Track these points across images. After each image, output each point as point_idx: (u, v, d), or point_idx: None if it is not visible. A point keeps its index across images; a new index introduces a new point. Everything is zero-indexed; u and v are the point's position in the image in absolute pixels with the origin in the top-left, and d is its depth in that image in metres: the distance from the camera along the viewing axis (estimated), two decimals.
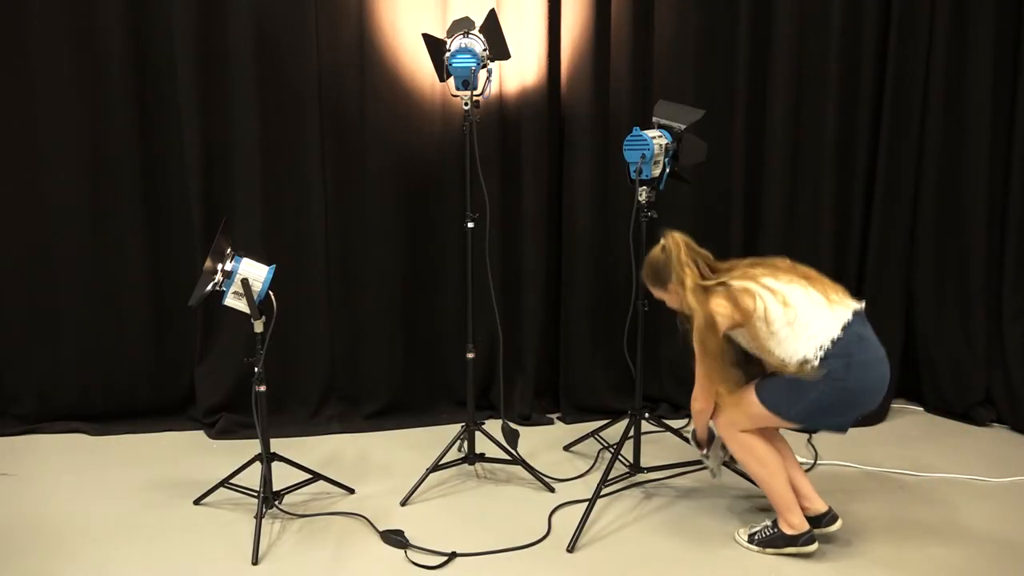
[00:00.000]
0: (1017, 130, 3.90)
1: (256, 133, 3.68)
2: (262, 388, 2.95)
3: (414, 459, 3.52)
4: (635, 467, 3.33)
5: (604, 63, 3.82)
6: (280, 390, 3.77)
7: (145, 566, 2.79)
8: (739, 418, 2.81)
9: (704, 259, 2.83)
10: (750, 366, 2.85)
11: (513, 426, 3.51)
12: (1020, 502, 3.24)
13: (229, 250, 2.86)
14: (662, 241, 2.85)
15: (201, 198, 3.69)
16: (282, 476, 3.15)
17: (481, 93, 3.19)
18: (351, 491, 3.29)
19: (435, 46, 3.20)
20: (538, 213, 3.92)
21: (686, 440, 3.43)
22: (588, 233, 3.92)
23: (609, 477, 3.15)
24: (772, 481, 2.82)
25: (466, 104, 3.16)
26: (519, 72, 3.78)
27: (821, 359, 2.64)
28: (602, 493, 3.12)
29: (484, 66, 3.15)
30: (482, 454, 3.42)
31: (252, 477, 3.08)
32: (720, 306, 2.70)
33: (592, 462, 3.57)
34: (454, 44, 3.13)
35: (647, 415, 3.38)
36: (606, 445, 3.62)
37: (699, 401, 2.85)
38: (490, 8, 3.26)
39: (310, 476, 3.22)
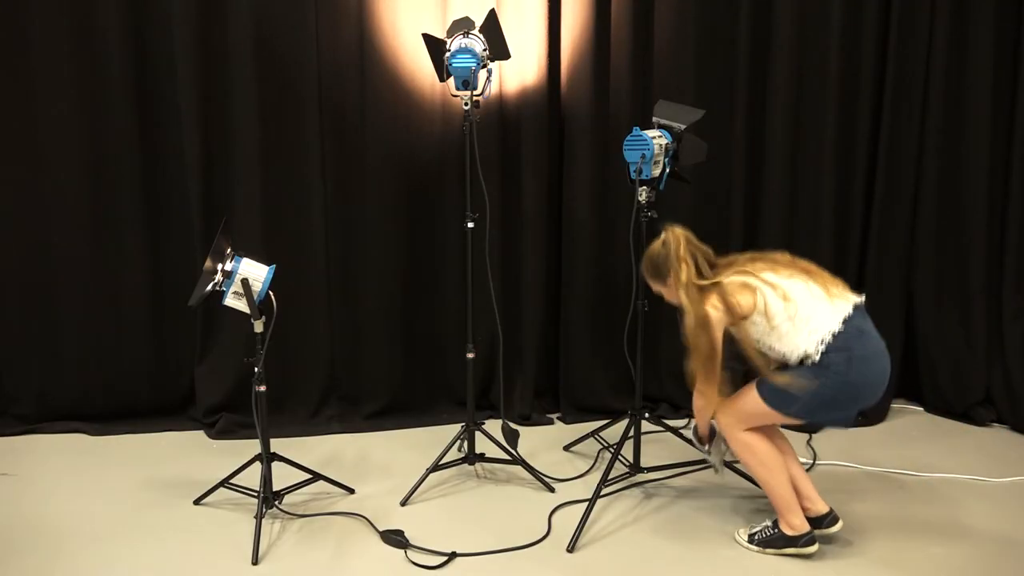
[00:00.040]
0: (1017, 130, 3.90)
1: (256, 133, 3.68)
2: (262, 388, 2.95)
3: (414, 459, 3.52)
4: (635, 467, 3.33)
5: (604, 63, 3.82)
6: (280, 390, 3.77)
7: (145, 566, 2.79)
8: (741, 416, 2.81)
9: (704, 255, 2.82)
10: (764, 356, 2.86)
11: (513, 426, 3.51)
12: (1020, 502, 3.24)
13: (229, 250, 2.86)
14: (663, 235, 2.84)
15: (201, 198, 3.69)
16: (282, 476, 3.15)
17: (481, 93, 3.19)
18: (351, 491, 3.29)
19: (435, 46, 3.20)
20: (538, 213, 3.92)
21: (687, 440, 3.43)
22: (588, 233, 3.92)
23: (609, 477, 3.15)
24: (773, 481, 2.82)
25: (466, 104, 3.16)
26: (519, 72, 3.78)
27: (822, 353, 2.64)
28: (602, 493, 3.12)
29: (484, 66, 3.15)
30: (482, 454, 3.42)
31: (252, 477, 3.08)
32: (715, 308, 2.70)
33: (592, 462, 3.57)
34: (454, 44, 3.13)
35: (647, 415, 3.37)
36: (606, 445, 3.62)
37: (701, 399, 2.85)
38: (490, 8, 3.26)
39: (310, 476, 3.22)
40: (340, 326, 3.93)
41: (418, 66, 3.73)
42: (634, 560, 2.84)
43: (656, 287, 2.92)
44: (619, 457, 3.24)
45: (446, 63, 3.14)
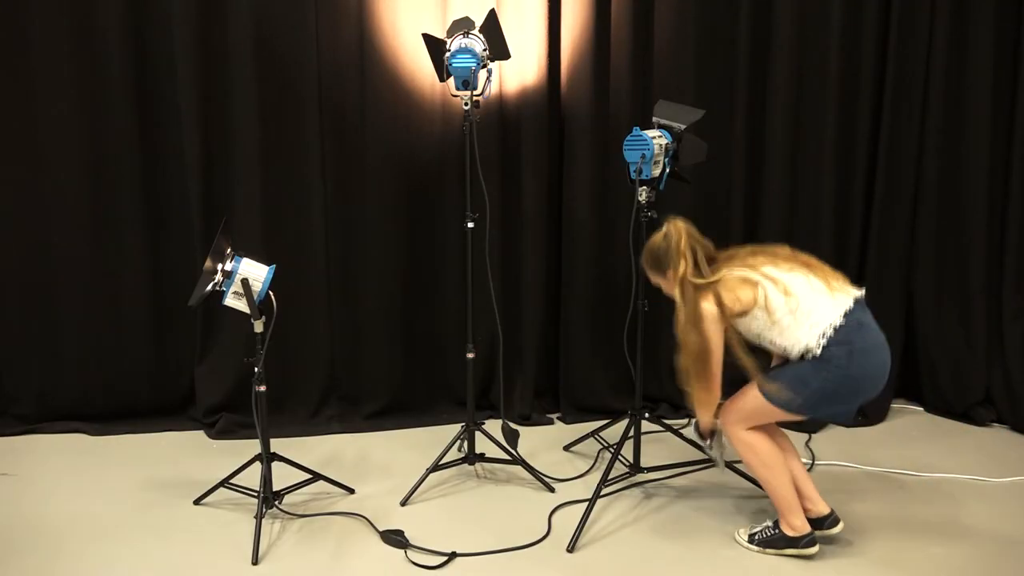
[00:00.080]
0: (1017, 130, 3.90)
1: (256, 133, 3.68)
2: (262, 388, 2.96)
3: (414, 459, 3.52)
4: (635, 467, 3.33)
5: (604, 63, 3.82)
6: (280, 390, 3.77)
7: (145, 566, 2.79)
8: (744, 415, 2.80)
9: (704, 248, 2.80)
10: (752, 355, 2.85)
11: (513, 426, 3.51)
12: (1020, 502, 3.24)
13: (229, 250, 2.86)
14: (664, 227, 2.83)
15: (201, 198, 3.69)
16: (282, 476, 3.15)
17: (481, 93, 3.19)
18: (351, 491, 3.29)
19: (435, 46, 3.20)
20: (538, 213, 3.92)
21: (687, 440, 3.44)
22: (588, 233, 3.92)
23: (609, 477, 3.15)
24: (775, 482, 2.82)
25: (466, 104, 3.16)
26: (519, 72, 3.78)
27: (823, 347, 2.64)
28: (602, 493, 3.12)
29: (484, 66, 3.15)
30: (482, 454, 3.42)
31: (252, 477, 3.08)
32: (708, 310, 2.69)
33: (592, 462, 3.57)
34: (454, 44, 3.13)
35: (647, 415, 3.37)
36: (606, 445, 3.62)
37: (704, 393, 2.79)
38: (490, 8, 3.26)
39: (310, 476, 3.22)
40: (340, 326, 3.93)
41: (418, 66, 3.73)
42: (634, 560, 2.84)
43: (655, 279, 2.91)
44: (619, 457, 3.24)
45: (446, 63, 3.14)
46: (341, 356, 3.96)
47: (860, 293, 2.76)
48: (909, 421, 4.06)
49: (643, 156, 3.00)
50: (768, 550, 2.86)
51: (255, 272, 2.85)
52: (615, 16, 3.79)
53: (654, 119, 3.16)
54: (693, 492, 3.30)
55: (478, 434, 3.42)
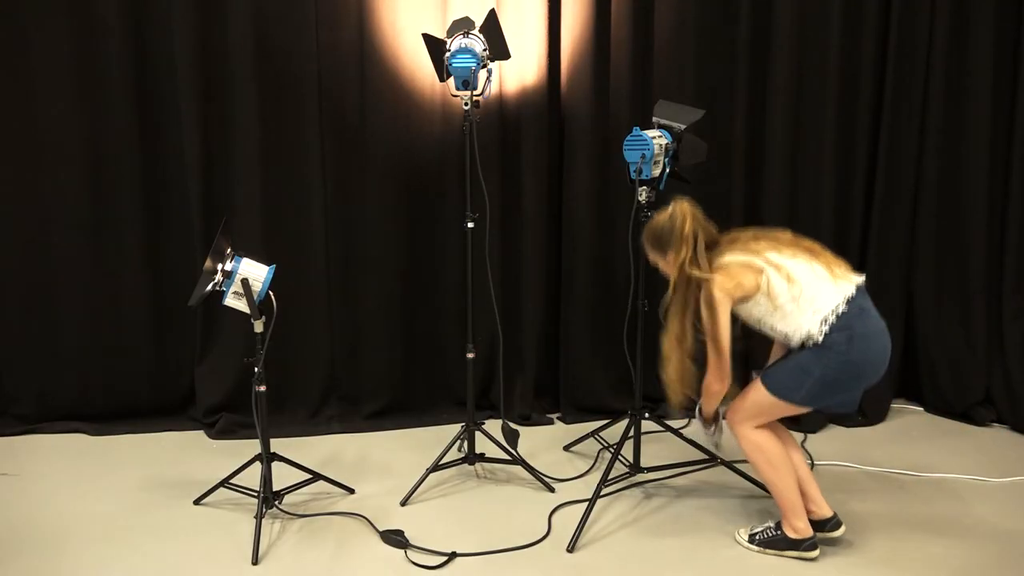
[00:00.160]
0: (1017, 130, 3.90)
1: (256, 133, 3.68)
2: (262, 388, 2.95)
3: (414, 459, 3.52)
4: (635, 467, 3.33)
5: (604, 63, 3.82)
6: (280, 390, 3.77)
7: (145, 566, 2.79)
8: (751, 412, 2.80)
9: (707, 233, 2.78)
10: (751, 340, 2.84)
11: (513, 426, 3.51)
12: (1020, 502, 3.24)
13: (229, 250, 2.86)
14: (670, 207, 2.81)
15: (201, 198, 3.69)
16: (282, 476, 3.15)
17: (481, 93, 3.19)
18: (351, 491, 3.29)
19: (435, 46, 3.20)
20: (538, 213, 3.92)
21: (687, 441, 3.43)
22: (588, 233, 3.92)
23: (609, 477, 3.15)
24: (781, 484, 2.81)
25: (466, 104, 3.16)
26: (519, 72, 3.78)
27: (825, 334, 2.64)
28: (602, 493, 3.12)
29: (484, 66, 3.15)
30: (482, 454, 3.42)
31: (252, 477, 3.08)
32: (712, 297, 2.68)
33: (592, 462, 3.57)
34: (454, 44, 3.13)
35: (647, 415, 3.37)
36: (606, 445, 3.62)
37: (717, 383, 2.79)
38: (490, 8, 3.26)
39: (310, 476, 3.22)
40: (340, 326, 3.93)
41: (418, 66, 3.73)
42: (634, 560, 2.84)
43: (653, 257, 2.90)
44: (619, 457, 3.24)
45: (446, 63, 3.14)
46: (341, 356, 3.96)
47: (861, 279, 2.76)
48: (909, 421, 4.06)
49: (643, 156, 3.00)
50: (768, 550, 2.86)
51: (255, 272, 2.85)
52: (615, 16, 3.79)
53: (654, 119, 3.16)
54: (693, 492, 3.30)
55: (478, 434, 3.42)
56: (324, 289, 3.87)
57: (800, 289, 2.66)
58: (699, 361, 2.79)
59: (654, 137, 3.03)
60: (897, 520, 3.10)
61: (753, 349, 3.05)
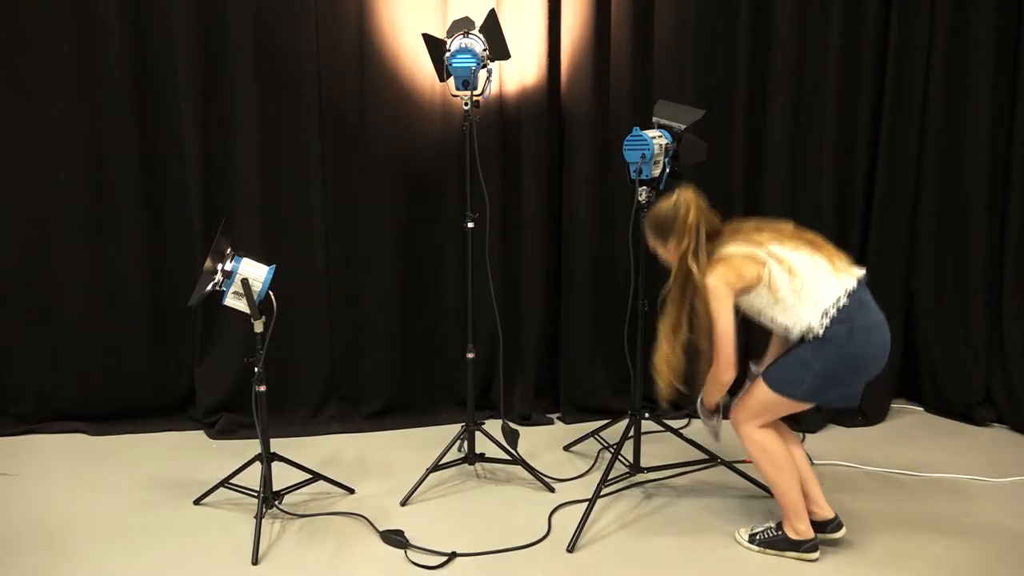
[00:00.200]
0: (1017, 130, 3.90)
1: (256, 133, 3.68)
2: (262, 388, 2.95)
3: (414, 459, 3.52)
4: (635, 467, 3.33)
5: (604, 63, 3.82)
6: (280, 390, 3.77)
7: (145, 566, 2.79)
8: (754, 411, 2.79)
9: (710, 223, 2.77)
10: (750, 332, 2.83)
11: (513, 426, 3.51)
12: (1020, 502, 3.24)
13: (229, 250, 2.86)
14: (674, 195, 2.80)
15: (201, 198, 3.69)
16: (282, 476, 3.15)
17: (481, 93, 3.19)
18: (351, 491, 3.29)
19: (435, 46, 3.20)
20: (538, 213, 3.92)
21: (687, 440, 3.43)
22: (588, 233, 3.92)
23: (609, 477, 3.15)
24: (784, 485, 2.81)
25: (466, 104, 3.16)
26: (519, 72, 3.78)
27: (825, 327, 2.64)
28: (602, 493, 3.12)
29: (484, 66, 3.15)
30: (482, 454, 3.42)
31: (252, 477, 3.08)
32: (714, 287, 2.66)
33: (592, 462, 3.57)
34: (454, 44, 3.13)
35: (647, 415, 3.37)
36: (606, 445, 3.62)
37: (724, 374, 2.74)
38: (490, 8, 3.26)
39: (310, 476, 3.22)
40: (340, 326, 3.93)
41: (418, 66, 3.73)
42: (634, 560, 2.84)
43: (653, 243, 2.89)
44: (619, 457, 3.24)
45: (446, 63, 3.14)
46: (341, 356, 3.96)
47: (862, 272, 2.76)
48: (909, 421, 4.06)
49: (643, 156, 3.00)
50: (769, 551, 2.86)
51: (255, 272, 2.85)
52: (615, 16, 3.79)
53: (654, 119, 3.16)
54: (693, 492, 3.30)
55: (478, 434, 3.42)
56: (324, 289, 3.87)
57: (801, 282, 2.66)
58: (689, 354, 2.79)
59: (654, 137, 3.03)
60: (897, 520, 3.10)
61: (753, 341, 3.04)
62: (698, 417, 3.06)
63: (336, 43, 3.70)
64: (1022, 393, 3.93)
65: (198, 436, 3.83)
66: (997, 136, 3.93)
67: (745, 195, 3.95)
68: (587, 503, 3.06)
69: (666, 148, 3.07)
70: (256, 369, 2.93)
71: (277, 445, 3.22)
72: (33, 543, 2.91)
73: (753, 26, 3.83)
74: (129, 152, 3.69)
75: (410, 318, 3.97)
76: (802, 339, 2.71)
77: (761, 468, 2.85)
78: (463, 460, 3.42)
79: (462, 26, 3.16)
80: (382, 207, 3.85)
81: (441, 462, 3.37)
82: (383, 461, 3.59)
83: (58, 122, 3.63)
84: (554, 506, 3.18)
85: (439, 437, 3.64)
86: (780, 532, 2.85)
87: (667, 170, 3.09)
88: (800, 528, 2.82)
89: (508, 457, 3.40)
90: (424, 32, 3.25)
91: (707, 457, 3.36)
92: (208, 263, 2.80)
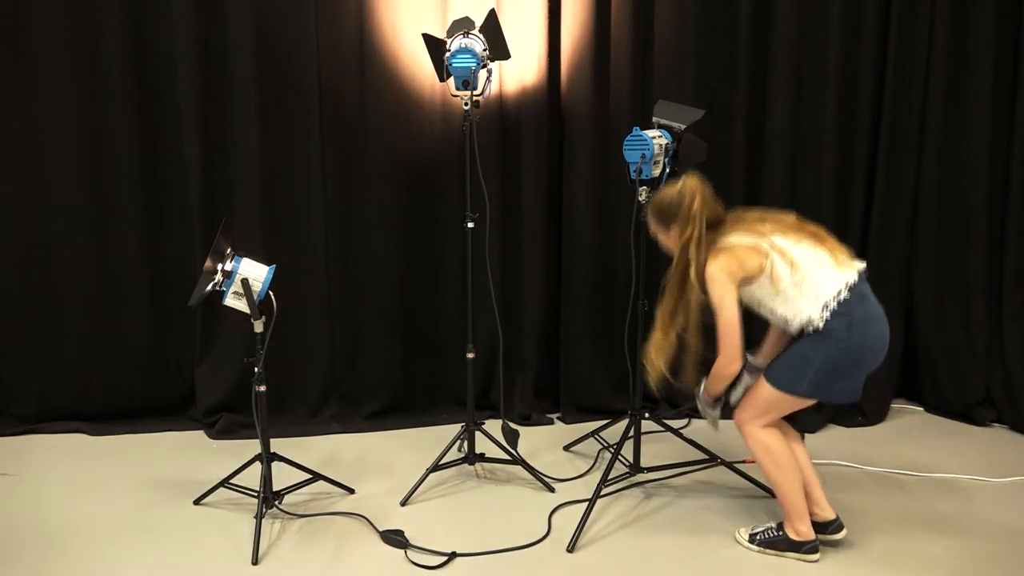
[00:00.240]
0: (1017, 130, 3.90)
1: (256, 133, 3.68)
2: (262, 388, 2.95)
3: (414, 459, 3.52)
4: (635, 467, 3.33)
5: (604, 63, 3.82)
6: (280, 390, 3.77)
7: (145, 566, 2.79)
8: (758, 409, 2.78)
9: (713, 212, 2.75)
10: (748, 325, 2.83)
11: (513, 426, 3.51)
12: (1020, 502, 3.24)
13: (229, 250, 2.86)
14: (680, 182, 2.78)
15: (201, 198, 3.69)
16: (282, 476, 3.15)
17: (481, 93, 3.19)
18: (351, 491, 3.29)
19: (435, 46, 3.20)
20: (538, 213, 3.92)
21: (687, 440, 3.43)
22: (588, 233, 3.92)
23: (609, 477, 3.15)
24: (788, 486, 2.81)
25: (466, 104, 3.16)
26: (519, 72, 3.78)
27: (826, 320, 2.64)
28: (602, 493, 3.12)
29: (484, 66, 3.15)
30: (482, 454, 3.42)
31: (252, 477, 3.08)
32: (715, 275, 2.65)
33: (592, 462, 3.57)
34: (454, 44, 3.13)
35: (647, 415, 3.37)
36: (606, 445, 3.62)
37: (729, 365, 2.71)
38: (490, 8, 3.26)
39: (310, 476, 3.22)
40: (340, 326, 3.93)
41: (418, 66, 3.73)
42: (634, 560, 2.84)
43: (655, 229, 2.87)
44: (619, 457, 3.24)
45: (446, 63, 3.14)
46: (341, 356, 3.96)
47: (863, 266, 2.75)
48: (909, 421, 4.06)
49: (643, 156, 3.00)
50: (769, 551, 2.86)
51: (255, 272, 2.85)
52: (615, 16, 3.79)
53: (654, 119, 3.16)
54: (693, 492, 3.30)
55: (478, 434, 3.42)
56: (324, 289, 3.87)
57: (803, 275, 2.65)
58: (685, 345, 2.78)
59: (654, 137, 3.03)
60: (897, 520, 3.10)
61: (752, 333, 3.02)
62: (698, 412, 3.05)
63: (336, 43, 3.70)
64: (1022, 393, 3.93)
65: (198, 436, 3.83)
66: (997, 136, 3.93)
67: (745, 195, 3.94)
68: (587, 503, 3.06)
69: (666, 148, 3.07)
70: (256, 369, 2.93)
71: (277, 445, 3.22)
72: (33, 543, 2.91)
73: (753, 26, 3.83)
74: (129, 152, 3.69)
75: (410, 318, 3.97)
76: (801, 332, 2.71)
77: (764, 468, 2.84)
78: (463, 460, 3.42)
79: (462, 26, 3.16)
80: (382, 207, 3.85)
81: (441, 462, 3.37)
82: (383, 461, 3.59)
83: (58, 122, 3.63)
84: (554, 506, 3.18)
85: (439, 437, 3.64)
86: (781, 532, 2.85)
87: (667, 170, 3.10)
88: (801, 529, 2.82)
89: (508, 457, 3.40)
90: (424, 32, 3.25)
91: (707, 457, 3.36)
92: (208, 263, 2.80)
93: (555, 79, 3.84)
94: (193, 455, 3.64)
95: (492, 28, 3.16)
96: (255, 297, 2.83)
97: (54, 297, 3.77)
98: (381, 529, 2.99)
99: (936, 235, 4.02)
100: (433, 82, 3.71)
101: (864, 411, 4.00)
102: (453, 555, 2.84)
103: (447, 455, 3.39)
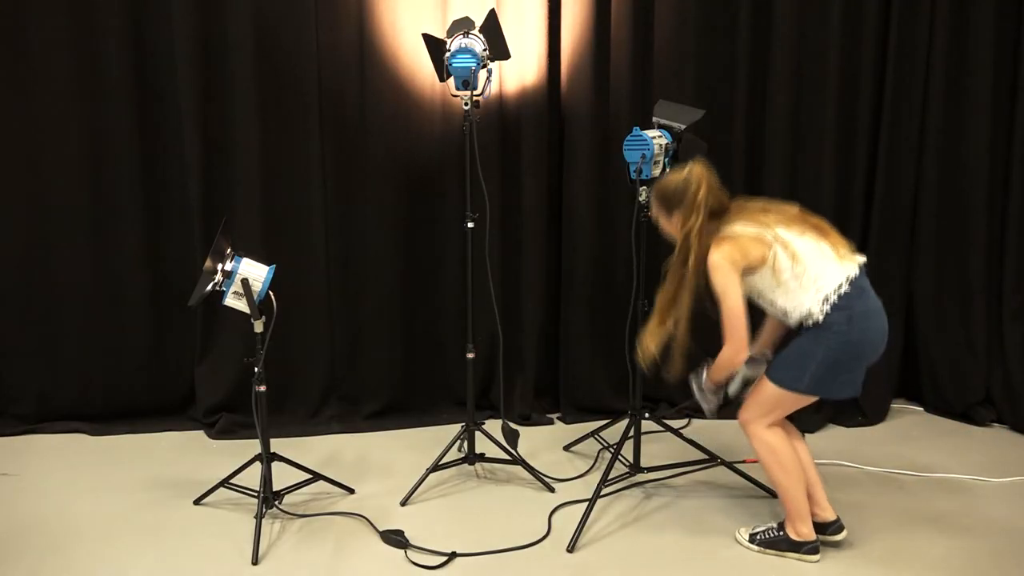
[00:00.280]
0: (1017, 130, 3.90)
1: (256, 133, 3.68)
2: (262, 388, 2.95)
3: (414, 459, 3.52)
4: (635, 467, 3.33)
5: (604, 63, 3.82)
6: (280, 390, 3.77)
7: (145, 566, 2.79)
8: (762, 408, 2.78)
9: (718, 201, 2.74)
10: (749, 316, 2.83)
11: (513, 426, 3.51)
12: (1020, 502, 3.24)
13: (229, 250, 2.86)
14: (687, 168, 2.76)
15: (201, 198, 3.69)
16: (282, 476, 3.15)
17: (481, 93, 3.19)
18: (351, 491, 3.29)
19: (435, 46, 3.20)
20: (538, 213, 3.92)
21: (687, 440, 3.43)
22: (588, 233, 3.92)
23: (609, 477, 3.15)
24: (792, 488, 2.80)
25: (466, 104, 3.16)
26: (519, 72, 3.79)
27: (826, 313, 2.63)
28: (602, 493, 3.12)
29: (484, 66, 3.15)
30: (482, 454, 3.42)
31: (252, 477, 3.08)
32: (717, 263, 2.64)
33: (592, 462, 3.57)
34: (454, 44, 3.13)
35: (647, 415, 3.37)
36: (606, 445, 3.62)
37: (736, 355, 2.69)
38: (490, 8, 3.26)
39: (310, 476, 3.22)
40: (340, 326, 3.93)
41: (418, 66, 3.73)
42: (634, 560, 2.84)
43: (657, 213, 2.86)
44: (619, 457, 3.24)
45: (446, 63, 3.14)
46: (341, 356, 3.96)
47: (863, 259, 2.75)
48: (909, 421, 4.06)
49: (643, 156, 3.00)
50: (769, 551, 2.86)
51: (255, 272, 2.85)
52: (615, 16, 3.79)
53: (654, 119, 3.16)
54: (693, 492, 3.30)
55: (478, 434, 3.42)
56: (324, 289, 3.87)
57: (804, 268, 2.65)
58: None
59: (654, 137, 3.03)
60: (897, 520, 3.10)
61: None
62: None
63: (336, 43, 3.70)
64: (1022, 393, 3.93)
65: (198, 436, 3.83)
66: (997, 136, 3.93)
67: (745, 195, 3.92)
68: (587, 503, 3.06)
69: (666, 148, 3.07)
70: (256, 369, 2.93)
71: (277, 445, 3.22)
72: (33, 543, 2.91)
73: (753, 26, 3.83)
74: (129, 152, 3.69)
75: (410, 318, 3.97)
76: (800, 326, 2.71)
77: (768, 469, 2.84)
78: (463, 460, 3.42)
79: (462, 26, 3.16)
80: (382, 207, 3.85)
81: (441, 462, 3.37)
82: (383, 461, 3.59)
83: (58, 122, 3.63)
84: (554, 506, 3.18)
85: (439, 437, 3.64)
86: (781, 533, 2.85)
87: (667, 170, 3.09)
88: (802, 530, 2.82)
89: (508, 457, 3.40)
90: (424, 32, 3.25)
91: (707, 457, 3.36)
92: (208, 263, 2.80)
93: (555, 79, 3.84)
94: (193, 455, 3.64)
95: (492, 28, 3.16)
96: (255, 297, 2.83)
97: (54, 297, 3.77)
98: (381, 529, 2.99)
99: (936, 235, 4.02)
100: (433, 82, 3.71)
101: (864, 411, 4.00)
102: (453, 555, 2.84)
103: (447, 455, 3.39)
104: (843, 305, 2.64)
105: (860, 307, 2.66)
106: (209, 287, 2.82)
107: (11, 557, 2.83)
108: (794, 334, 2.77)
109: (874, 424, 3.99)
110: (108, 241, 3.75)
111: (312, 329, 3.89)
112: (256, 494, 3.00)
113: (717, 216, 2.74)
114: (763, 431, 2.79)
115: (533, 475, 3.35)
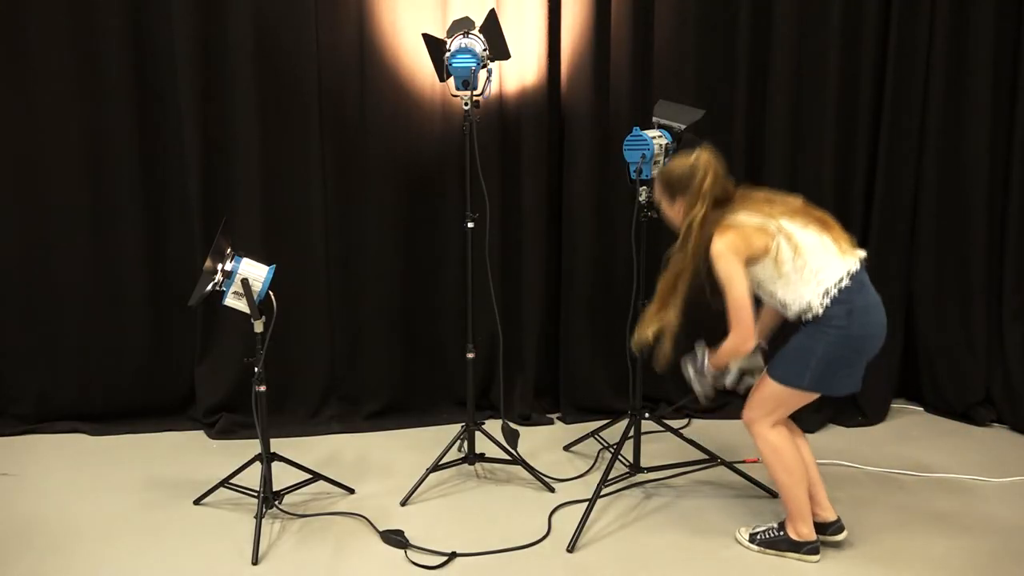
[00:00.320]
0: (1017, 130, 3.90)
1: (256, 133, 3.68)
2: (262, 388, 2.95)
3: (414, 459, 3.52)
4: (635, 467, 3.33)
5: (604, 63, 3.82)
6: (280, 390, 3.77)
7: (145, 566, 2.79)
8: (766, 407, 2.78)
9: (723, 190, 2.72)
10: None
11: (513, 426, 3.51)
12: (1020, 502, 3.24)
13: (229, 250, 2.86)
14: (694, 155, 2.74)
15: (201, 198, 3.69)
16: (282, 476, 3.15)
17: (481, 93, 3.19)
18: (351, 491, 3.29)
19: (435, 46, 3.20)
20: (538, 213, 3.92)
21: (687, 440, 3.43)
22: (588, 233, 3.92)
23: (609, 477, 3.15)
24: (794, 489, 2.80)
25: (466, 104, 3.16)
26: (519, 72, 3.79)
27: (826, 307, 2.63)
28: (602, 493, 3.12)
29: (484, 66, 3.15)
30: (482, 454, 3.42)
31: (252, 477, 3.08)
32: (719, 250, 2.63)
33: (592, 462, 3.57)
34: (454, 44, 3.13)
35: (647, 415, 3.37)
36: (606, 445, 3.62)
37: (742, 344, 2.67)
38: (490, 8, 3.26)
39: (310, 476, 3.22)
40: (340, 326, 3.93)
41: (418, 66, 3.73)
42: (634, 560, 2.84)
43: (660, 197, 2.85)
44: (619, 457, 3.24)
45: (446, 63, 3.14)
46: (341, 356, 3.96)
47: (864, 254, 2.75)
48: (909, 421, 4.06)
49: (643, 156, 3.00)
50: (769, 551, 2.86)
51: (255, 272, 2.85)
52: (615, 16, 3.79)
53: (654, 119, 3.16)
54: (693, 492, 3.30)
55: (478, 434, 3.42)
56: (324, 289, 3.87)
57: (804, 261, 2.64)
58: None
59: (654, 137, 3.03)
60: (897, 520, 3.10)
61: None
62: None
63: (336, 43, 3.70)
64: (1022, 393, 3.93)
65: (198, 436, 3.83)
66: (997, 136, 3.93)
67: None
68: (587, 503, 3.06)
69: (666, 148, 3.07)
70: (256, 369, 2.93)
71: (277, 445, 3.22)
72: (33, 543, 2.91)
73: (753, 26, 3.83)
74: (129, 152, 3.69)
75: (410, 318, 3.97)
76: (798, 320, 2.71)
77: (771, 469, 2.83)
78: (463, 460, 3.42)
79: (462, 26, 3.16)
80: (382, 207, 3.85)
81: (441, 462, 3.37)
82: (383, 461, 3.59)
83: (58, 122, 3.63)
84: (554, 506, 3.18)
85: (439, 437, 3.64)
86: (782, 533, 2.85)
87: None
88: (803, 531, 2.82)
89: (508, 457, 3.40)
90: (424, 32, 3.25)
91: (707, 457, 3.36)
92: (208, 263, 2.80)
93: (555, 79, 3.84)
94: (193, 455, 3.64)
95: (492, 28, 3.16)
96: (255, 297, 2.83)
97: (54, 297, 3.77)
98: (381, 529, 2.99)
99: (936, 235, 4.02)
100: (433, 82, 3.71)
101: (864, 411, 4.00)
102: (453, 555, 2.84)
103: (447, 455, 3.39)
104: (843, 299, 2.64)
105: (860, 301, 2.66)
106: (209, 287, 2.82)
107: (11, 557, 2.83)
108: (791, 328, 2.76)
109: (874, 424, 3.99)
110: (108, 241, 3.75)
111: (312, 329, 3.89)
112: (256, 494, 3.00)
113: (721, 204, 2.72)
114: (767, 431, 2.79)
115: (533, 475, 3.35)
